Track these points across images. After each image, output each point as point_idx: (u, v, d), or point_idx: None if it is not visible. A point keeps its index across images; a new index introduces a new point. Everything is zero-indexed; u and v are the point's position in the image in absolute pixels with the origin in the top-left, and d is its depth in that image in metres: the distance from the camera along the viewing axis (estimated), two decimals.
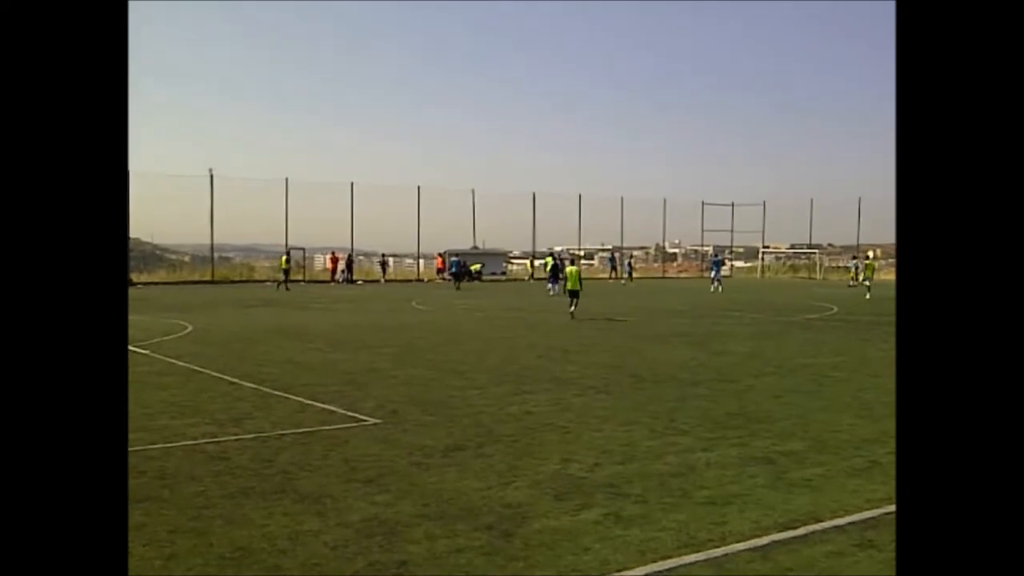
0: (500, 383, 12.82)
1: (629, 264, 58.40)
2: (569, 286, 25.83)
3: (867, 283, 39.70)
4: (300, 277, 51.90)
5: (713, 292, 41.15)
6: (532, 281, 49.46)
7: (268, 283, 49.12)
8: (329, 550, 5.68)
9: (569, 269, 27.09)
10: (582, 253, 65.80)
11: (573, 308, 25.20)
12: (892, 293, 38.68)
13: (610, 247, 69.18)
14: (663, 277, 66.56)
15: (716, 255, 53.69)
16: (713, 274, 45.41)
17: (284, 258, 46.24)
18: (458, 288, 42.75)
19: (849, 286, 40.06)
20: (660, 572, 5.35)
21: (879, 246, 70.74)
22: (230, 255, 62.65)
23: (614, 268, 58.53)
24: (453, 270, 46.91)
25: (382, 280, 45.00)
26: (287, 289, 41.45)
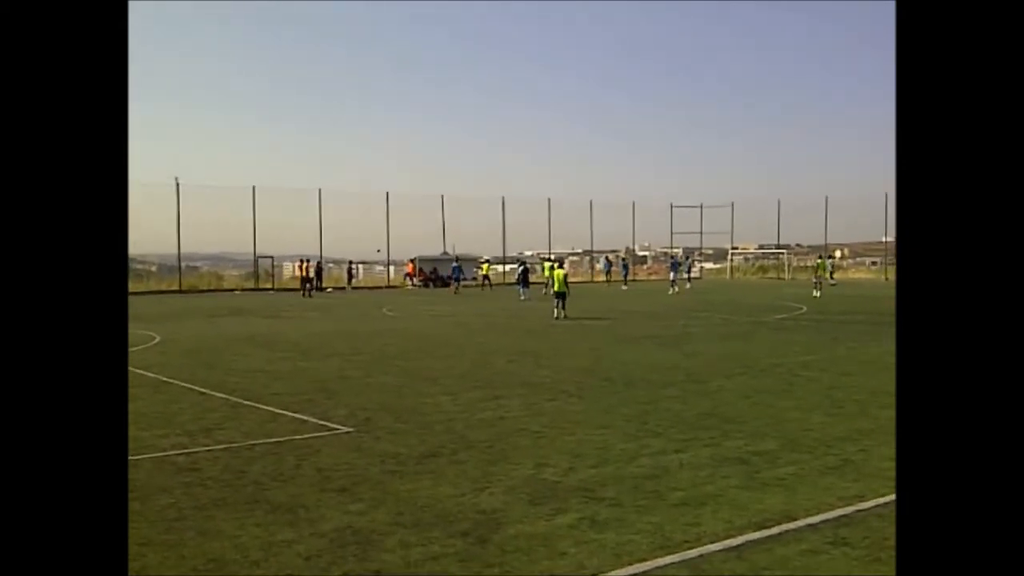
0: (472, 388, 12.79)
1: (625, 265, 57.06)
2: (556, 288, 26.42)
3: (817, 283, 40.06)
4: (269, 286, 51.59)
5: (672, 295, 41.08)
6: (488, 288, 48.93)
7: (236, 292, 48.76)
8: (303, 560, 5.63)
9: (556, 272, 27.65)
10: (553, 257, 65.88)
11: (561, 310, 25.90)
12: (850, 291, 39.06)
13: (580, 251, 69.35)
14: (634, 280, 66.76)
15: (674, 258, 53.62)
16: (672, 276, 45.36)
17: (306, 265, 46.12)
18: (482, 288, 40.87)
19: (814, 283, 40.38)
20: (635, 575, 5.36)
21: (846, 245, 71.48)
22: (198, 264, 62.17)
23: (609, 272, 56.88)
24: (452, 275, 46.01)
25: (306, 291, 44.71)
26: (310, 296, 42.04)
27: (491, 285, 51.06)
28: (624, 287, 50.05)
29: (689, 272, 47.93)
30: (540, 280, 51.58)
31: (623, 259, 60.38)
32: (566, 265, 45.96)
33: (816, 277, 40.80)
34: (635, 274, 68.09)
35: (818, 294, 38.46)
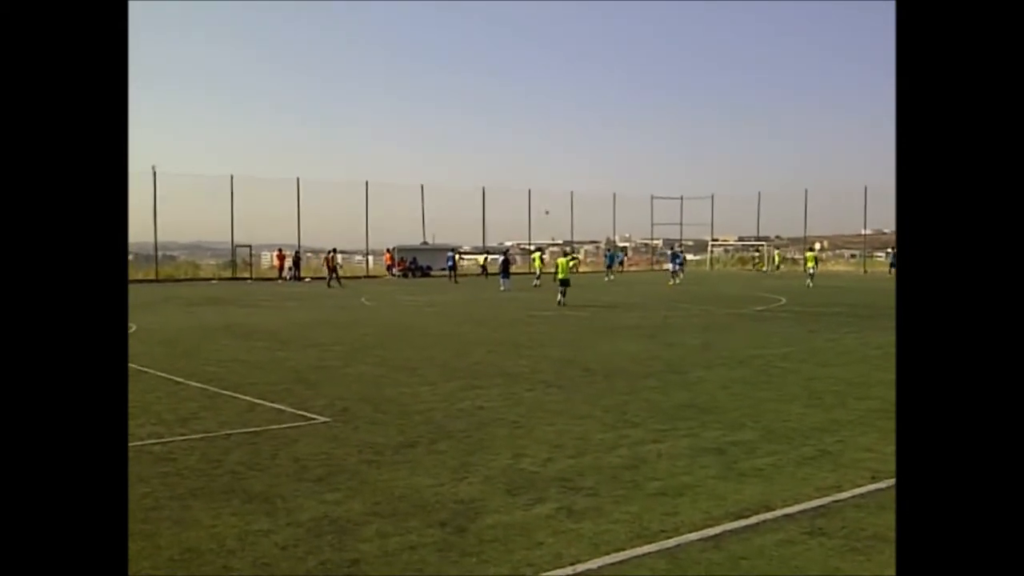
0: (451, 379, 12.76)
1: (611, 257, 56.22)
2: (560, 276, 28.19)
3: (765, 271, 41.20)
4: (247, 275, 51.33)
5: (672, 285, 41.65)
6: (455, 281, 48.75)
7: (214, 281, 48.49)
8: (279, 550, 5.59)
9: (559, 260, 29.45)
10: (533, 247, 65.93)
11: (561, 297, 27.56)
12: (828, 283, 39.37)
13: (560, 241, 69.43)
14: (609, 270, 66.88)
15: (673, 249, 54.07)
16: (672, 267, 45.94)
17: (330, 255, 46.04)
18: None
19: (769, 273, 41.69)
20: (613, 564, 5.35)
21: (826, 237, 71.91)
22: (175, 253, 61.74)
23: (611, 265, 54.92)
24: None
25: (327, 279, 44.76)
26: (339, 285, 41.96)
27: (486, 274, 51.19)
28: (607, 278, 50.21)
29: (679, 264, 48.53)
30: (524, 271, 51.77)
31: (608, 251, 60.47)
32: (580, 255, 46.37)
33: (777, 265, 42.21)
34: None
35: (807, 283, 39.21)
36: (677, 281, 43.70)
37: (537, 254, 46.02)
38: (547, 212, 61.09)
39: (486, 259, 48.51)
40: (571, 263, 30.14)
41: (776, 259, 62.46)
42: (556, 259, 31.51)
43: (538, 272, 42.68)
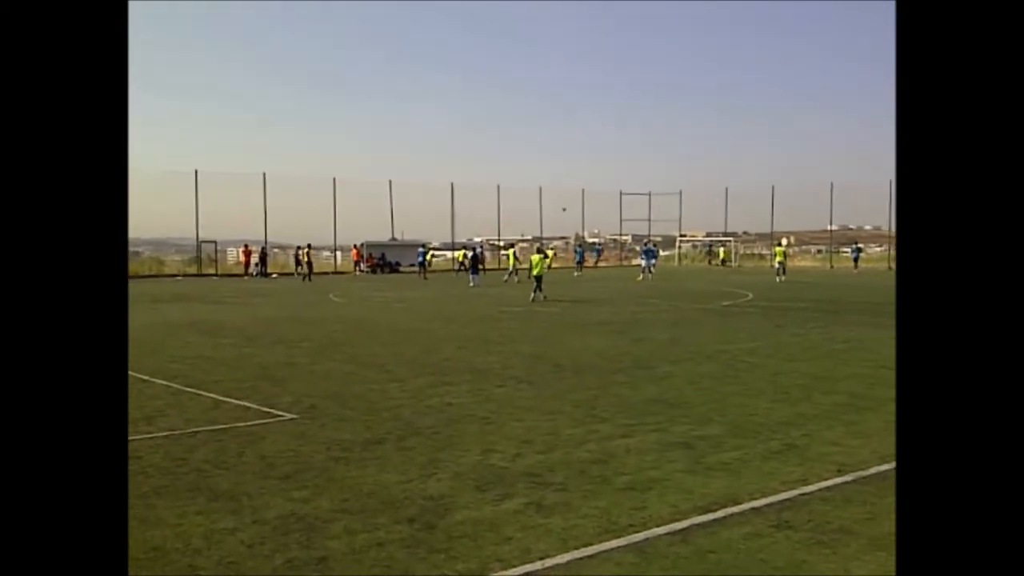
0: (420, 375, 12.72)
1: (582, 254, 56.95)
2: (535, 272, 28.46)
3: (716, 264, 41.99)
4: (212, 271, 50.89)
5: (641, 280, 41.95)
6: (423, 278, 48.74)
7: (179, 277, 48.01)
8: (246, 548, 5.54)
9: (534, 257, 29.76)
10: (502, 243, 65.95)
11: (535, 293, 27.84)
12: (795, 278, 39.80)
13: (530, 237, 69.50)
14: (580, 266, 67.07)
15: (647, 245, 54.67)
16: (645, 263, 46.25)
17: (305, 251, 46.64)
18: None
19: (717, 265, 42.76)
20: (582, 559, 5.36)
21: (792, 233, 72.55)
22: (139, 249, 60.99)
23: (580, 261, 55.65)
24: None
25: (302, 275, 44.66)
26: (308, 281, 42.20)
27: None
28: (576, 273, 50.43)
29: (653, 259, 49.15)
30: (493, 267, 51.81)
31: (579, 247, 60.71)
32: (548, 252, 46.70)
33: (723, 259, 43.11)
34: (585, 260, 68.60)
35: (779, 278, 39.87)
36: (649, 276, 44.06)
37: (511, 250, 46.21)
38: (564, 209, 62.10)
39: (464, 254, 48.68)
40: (546, 261, 30.53)
41: (721, 254, 64.18)
42: (529, 255, 31.79)
43: (511, 268, 42.83)
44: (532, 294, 28.02)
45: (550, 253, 39.38)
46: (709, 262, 49.32)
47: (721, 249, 67.05)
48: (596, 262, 55.11)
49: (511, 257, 44.64)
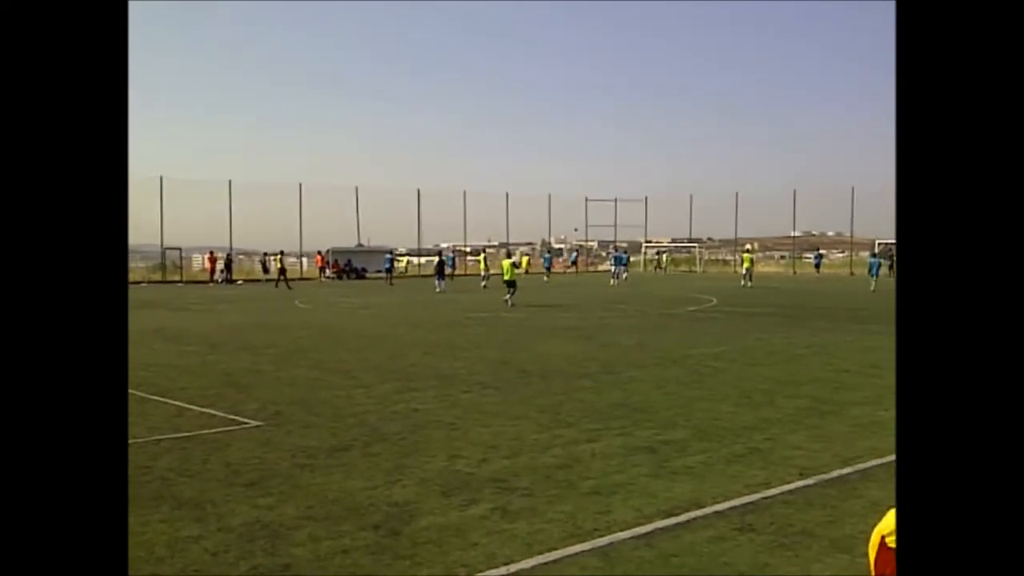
0: (386, 381, 12.70)
1: (550, 259, 57.29)
2: (506, 277, 28.74)
3: (661, 271, 42.70)
4: (177, 278, 50.45)
5: (612, 285, 42.32)
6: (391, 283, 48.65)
7: (143, 284, 47.50)
8: (210, 556, 5.52)
9: (504, 262, 30.17)
10: (468, 249, 65.95)
11: (508, 297, 28.20)
12: (758, 284, 40.18)
13: (496, 243, 69.58)
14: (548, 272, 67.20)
15: (618, 251, 55.26)
16: (615, 269, 46.71)
17: (278, 257, 46.48)
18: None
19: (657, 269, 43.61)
20: (547, 564, 5.39)
21: (756, 239, 73.20)
22: None
23: (548, 267, 55.99)
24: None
25: (277, 281, 44.43)
26: (276, 287, 41.85)
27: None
28: (545, 279, 50.70)
29: (623, 265, 49.60)
30: (459, 273, 51.83)
31: (547, 253, 60.92)
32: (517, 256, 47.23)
33: (663, 265, 43.98)
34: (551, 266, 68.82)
35: (745, 284, 40.50)
36: (623, 279, 44.60)
37: (483, 256, 46.54)
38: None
39: (441, 259, 48.86)
40: (517, 268, 31.36)
41: (663, 261, 65.24)
42: (500, 261, 32.35)
43: (484, 273, 43.09)
44: (507, 298, 28.23)
45: (524, 260, 39.87)
46: (654, 270, 50.34)
47: (664, 256, 68.47)
48: (575, 267, 55.43)
49: (482, 262, 44.94)
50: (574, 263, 65.52)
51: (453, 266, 54.90)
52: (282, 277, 44.24)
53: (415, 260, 62.16)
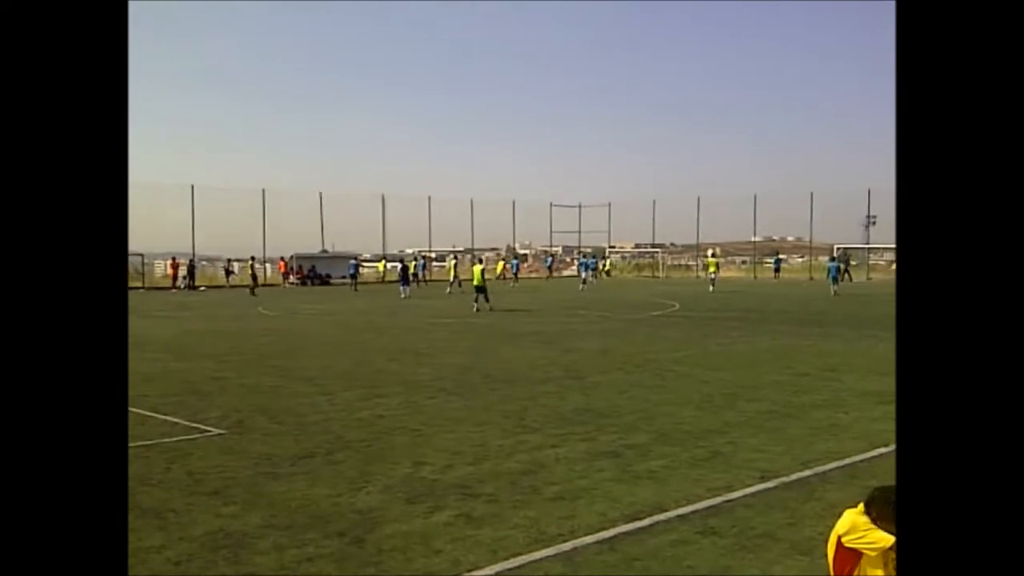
0: (351, 388, 12.67)
1: (516, 265, 57.34)
2: (476, 283, 29.42)
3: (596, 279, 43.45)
4: (139, 284, 49.85)
5: (581, 291, 42.53)
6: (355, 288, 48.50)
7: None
8: (173, 565, 5.49)
9: (474, 268, 31.01)
10: (434, 255, 65.85)
11: (478, 303, 28.42)
12: (721, 288, 40.52)
13: (461, 248, 69.53)
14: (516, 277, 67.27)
15: (586, 256, 55.47)
16: (583, 274, 46.95)
17: (250, 263, 46.35)
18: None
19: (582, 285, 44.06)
20: (511, 570, 5.42)
21: (718, 244, 73.75)
22: None
23: (516, 272, 55.80)
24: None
25: (250, 287, 44.08)
26: (251, 294, 41.34)
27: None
28: (513, 284, 50.89)
29: (592, 270, 49.79)
30: (434, 279, 51.82)
31: (514, 259, 60.93)
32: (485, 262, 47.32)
33: (600, 273, 44.58)
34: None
35: (713, 288, 40.91)
36: (593, 283, 44.87)
37: (453, 262, 46.73)
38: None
39: (415, 264, 49.12)
40: (487, 274, 31.75)
41: (605, 266, 65.67)
42: (472, 266, 33.08)
43: (452, 279, 43.20)
44: (474, 305, 28.37)
45: (500, 264, 40.04)
46: (594, 275, 50.78)
47: (607, 261, 68.62)
48: (516, 275, 55.53)
49: (451, 268, 45.09)
50: (549, 268, 65.43)
51: (426, 270, 54.82)
52: (253, 283, 43.89)
53: (378, 266, 61.98)
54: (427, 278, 52.96)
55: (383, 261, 59.32)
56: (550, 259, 69.12)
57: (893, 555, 3.87)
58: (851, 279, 51.42)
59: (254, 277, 44.97)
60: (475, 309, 28.03)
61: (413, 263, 53.20)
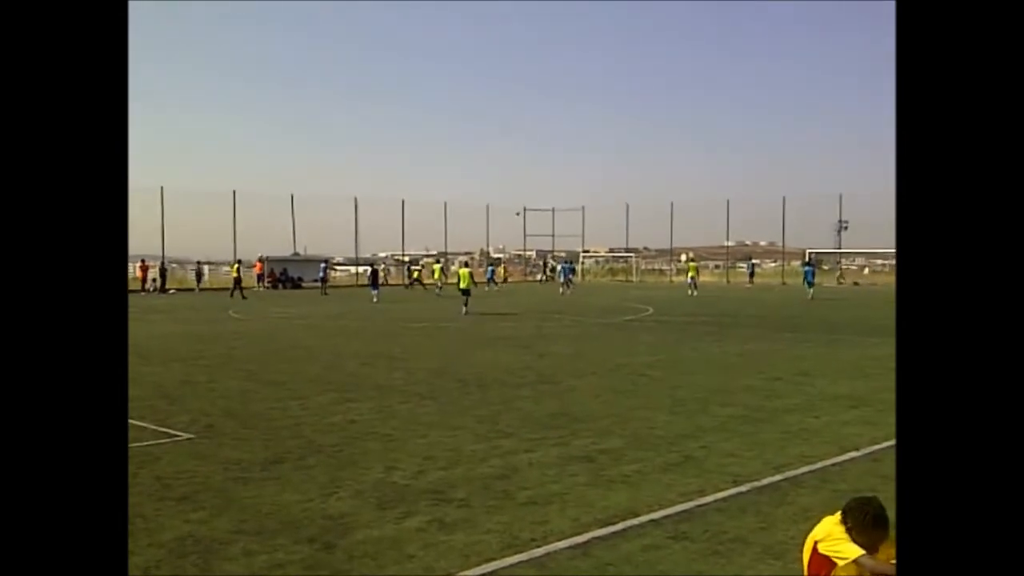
0: (322, 392, 12.58)
1: (492, 270, 57.32)
2: (462, 286, 29.70)
3: (691, 283, 43.54)
4: None
5: (562, 295, 42.57)
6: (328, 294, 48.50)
7: None
8: (141, 572, 5.40)
9: (461, 271, 31.30)
10: (407, 259, 65.64)
11: (467, 306, 28.54)
12: (694, 293, 40.72)
13: (435, 252, 69.37)
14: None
15: (564, 261, 55.57)
16: (563, 278, 47.01)
17: (235, 266, 45.61)
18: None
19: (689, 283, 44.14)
20: (484, 575, 5.39)
21: (691, 249, 74.17)
22: None
23: (491, 278, 55.48)
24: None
25: (232, 290, 43.79)
26: (243, 298, 40.98)
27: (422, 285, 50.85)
28: (493, 287, 51.01)
29: (569, 275, 49.82)
30: (397, 283, 51.62)
31: (491, 264, 60.86)
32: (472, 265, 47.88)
33: (690, 278, 44.74)
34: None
35: (692, 292, 41.13)
36: (569, 291, 44.89)
37: (438, 265, 46.83)
38: (518, 214, 64.85)
39: (410, 268, 49.35)
40: (473, 278, 31.58)
41: (555, 268, 65.87)
42: (459, 270, 33.37)
43: (438, 282, 43.27)
44: (463, 308, 28.44)
45: (466, 271, 40.62)
46: (543, 280, 51.13)
47: (553, 262, 68.94)
48: (491, 280, 55.47)
49: (437, 271, 45.20)
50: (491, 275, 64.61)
51: (421, 272, 54.56)
52: (238, 287, 43.48)
53: (352, 269, 61.75)
54: (423, 281, 52.60)
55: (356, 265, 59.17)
56: (553, 264, 69.31)
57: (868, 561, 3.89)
58: (844, 280, 53.86)
59: (237, 280, 44.52)
60: (464, 312, 28.06)
61: (417, 270, 53.52)
